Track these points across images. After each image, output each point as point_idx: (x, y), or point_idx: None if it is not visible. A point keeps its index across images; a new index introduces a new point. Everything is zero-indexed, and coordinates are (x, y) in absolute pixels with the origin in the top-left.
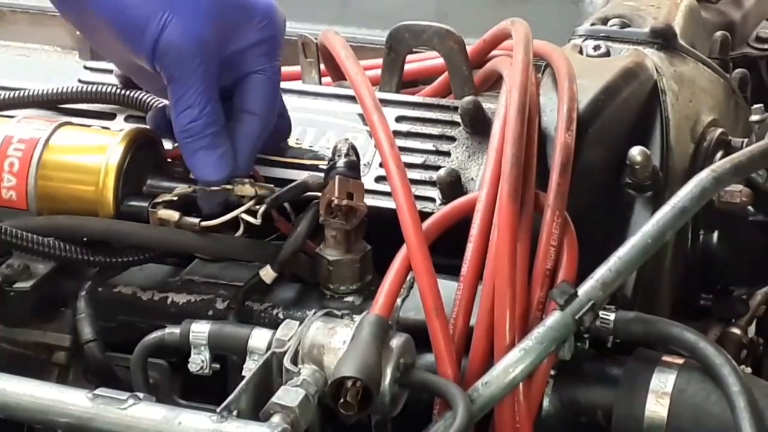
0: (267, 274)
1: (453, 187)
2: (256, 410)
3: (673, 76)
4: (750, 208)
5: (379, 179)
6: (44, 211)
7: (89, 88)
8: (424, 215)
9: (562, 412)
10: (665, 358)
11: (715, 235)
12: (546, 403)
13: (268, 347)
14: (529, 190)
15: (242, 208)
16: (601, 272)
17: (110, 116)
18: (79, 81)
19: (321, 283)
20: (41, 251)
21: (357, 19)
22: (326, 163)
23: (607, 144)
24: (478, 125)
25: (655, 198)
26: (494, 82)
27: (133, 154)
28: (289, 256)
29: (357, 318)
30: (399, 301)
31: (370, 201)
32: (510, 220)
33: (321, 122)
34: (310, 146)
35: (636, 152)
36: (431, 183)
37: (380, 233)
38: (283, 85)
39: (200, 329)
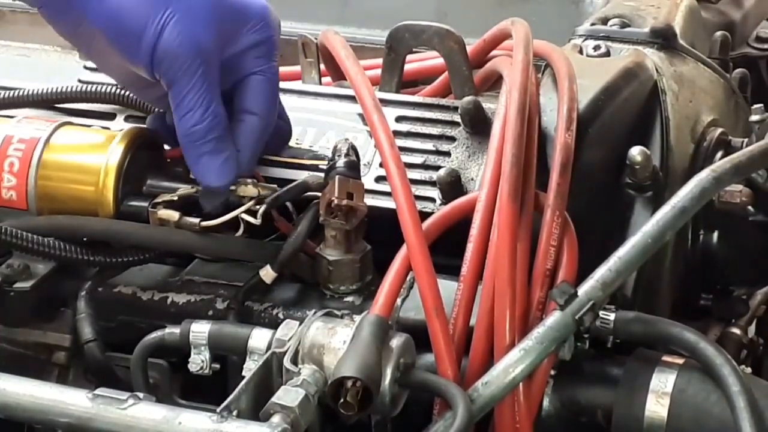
0: (267, 274)
1: (453, 187)
2: (256, 410)
3: (673, 76)
4: (750, 208)
5: (379, 179)
6: (44, 211)
7: (89, 88)
8: (424, 215)
9: (562, 412)
10: (665, 358)
11: (715, 235)
12: (546, 403)
13: (268, 347)
14: (529, 190)
15: (242, 208)
16: (601, 272)
17: (110, 116)
18: (79, 81)
19: (321, 283)
20: (41, 251)
21: (357, 19)
22: (326, 163)
23: (607, 144)
24: (478, 125)
25: (655, 198)
26: (494, 82)
27: (133, 154)
28: (289, 256)
29: (357, 318)
30: (399, 301)
31: (370, 201)
32: (510, 220)
33: (321, 122)
34: (310, 146)
35: (636, 152)
36: (431, 183)
37: (380, 233)
38: (283, 85)
39: (200, 329)
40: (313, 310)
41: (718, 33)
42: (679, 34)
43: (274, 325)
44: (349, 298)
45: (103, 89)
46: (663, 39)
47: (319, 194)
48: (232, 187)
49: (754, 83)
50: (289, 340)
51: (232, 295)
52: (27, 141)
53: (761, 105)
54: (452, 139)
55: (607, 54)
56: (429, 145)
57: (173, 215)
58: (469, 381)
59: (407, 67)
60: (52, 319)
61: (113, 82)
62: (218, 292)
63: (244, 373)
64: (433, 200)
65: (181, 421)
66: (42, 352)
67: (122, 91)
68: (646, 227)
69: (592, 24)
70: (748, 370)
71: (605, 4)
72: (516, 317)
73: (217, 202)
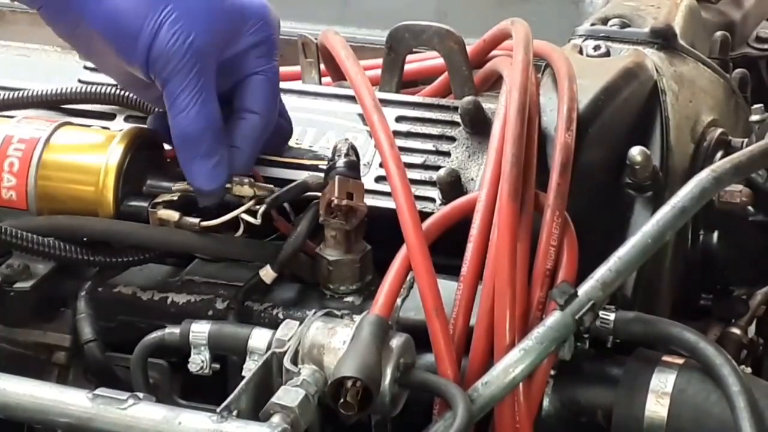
0: (267, 274)
1: (453, 187)
2: (256, 410)
3: (673, 76)
4: (750, 208)
5: (379, 179)
6: (44, 211)
7: (89, 89)
8: (424, 215)
9: (562, 412)
10: (665, 358)
11: (715, 235)
12: (546, 403)
13: (268, 347)
14: (529, 190)
15: (242, 208)
16: (601, 272)
17: (110, 116)
18: (79, 81)
19: (321, 283)
20: (41, 251)
21: (357, 19)
22: (326, 163)
23: (607, 144)
24: (478, 125)
25: (655, 198)
26: (494, 82)
27: (133, 154)
28: (289, 256)
29: (357, 318)
30: (399, 301)
31: (370, 201)
32: (510, 220)
33: (321, 122)
34: (310, 146)
35: (636, 152)
36: (431, 183)
37: (380, 233)
38: (283, 85)
39: (200, 329)
40: (313, 310)
41: (718, 33)
42: (679, 34)
43: (274, 325)
44: (349, 298)
45: (103, 89)
46: (663, 39)
47: (319, 194)
48: (228, 185)
49: (754, 83)
50: (289, 340)
51: (232, 295)
52: (27, 141)
53: (761, 105)
54: (452, 139)
55: (607, 54)
56: (429, 145)
57: (173, 215)
58: (469, 381)
59: (407, 67)
60: (52, 319)
61: (113, 82)
62: (218, 292)
63: (244, 373)
64: (433, 200)
65: (181, 421)
66: (42, 352)
67: (122, 92)
68: (646, 227)
69: (592, 24)
70: (748, 370)
71: (605, 4)
72: (516, 317)
73: (213, 201)
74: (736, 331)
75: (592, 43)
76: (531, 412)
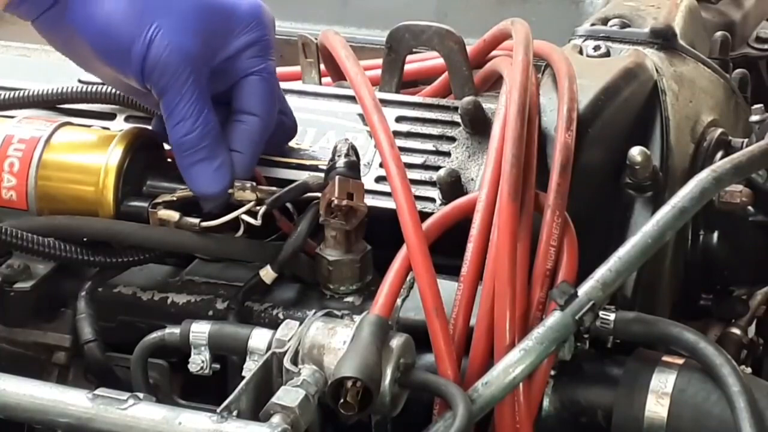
0: (267, 274)
1: (453, 187)
2: (256, 410)
3: (673, 76)
4: (750, 208)
5: (379, 179)
6: (44, 211)
7: (89, 88)
8: (424, 215)
9: (562, 413)
10: (665, 358)
11: (715, 235)
12: (546, 403)
13: (268, 347)
14: (529, 190)
15: (242, 209)
16: (601, 272)
17: (110, 116)
18: (79, 81)
19: (321, 283)
20: (41, 251)
21: (357, 19)
22: (326, 163)
23: (607, 144)
24: (478, 125)
25: (655, 198)
26: (494, 82)
27: (133, 154)
28: (289, 256)
29: (357, 318)
30: (399, 301)
31: (370, 201)
32: (510, 220)
33: (321, 122)
34: (310, 146)
35: (636, 152)
36: (431, 183)
37: (380, 233)
38: (283, 85)
39: (200, 329)
40: (313, 311)
41: (718, 33)
42: (679, 35)
43: (274, 325)
44: (349, 298)
45: (103, 89)
46: (663, 39)
47: (320, 195)
48: (230, 191)
49: (754, 83)
50: (289, 340)
51: (232, 295)
52: (27, 141)
53: (761, 105)
54: (452, 139)
55: (607, 54)
56: (429, 146)
57: (173, 215)
58: (469, 381)
59: (407, 67)
60: (52, 319)
61: None
62: (218, 292)
63: (244, 374)
64: (433, 200)
65: (181, 421)
66: (42, 352)
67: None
68: (646, 227)
69: (592, 24)
70: (748, 370)
71: (605, 4)
72: (516, 317)
73: (216, 204)
74: (736, 331)
75: (592, 43)
76: (531, 412)
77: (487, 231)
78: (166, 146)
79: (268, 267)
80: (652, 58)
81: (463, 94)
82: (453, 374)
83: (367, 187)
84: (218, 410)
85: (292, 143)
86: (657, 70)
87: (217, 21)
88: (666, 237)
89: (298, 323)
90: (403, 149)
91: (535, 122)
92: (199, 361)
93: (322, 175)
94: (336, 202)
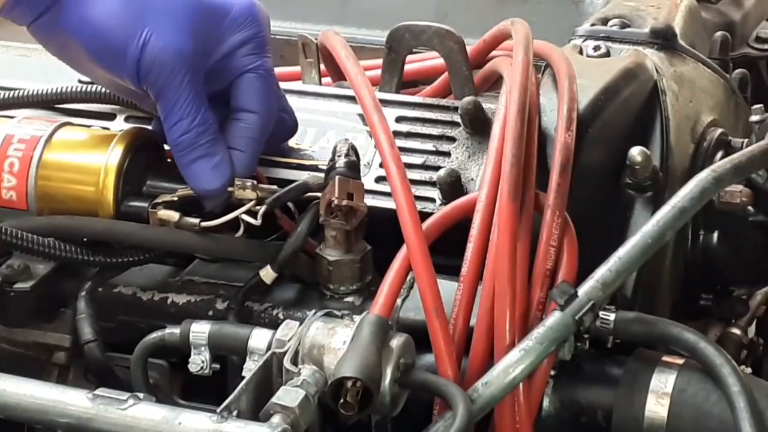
0: (267, 274)
1: (453, 187)
2: (256, 410)
3: (673, 76)
4: (750, 208)
5: (379, 179)
6: (44, 211)
7: (89, 88)
8: (424, 215)
9: (562, 413)
10: (665, 358)
11: (715, 235)
12: (546, 403)
13: (268, 347)
14: (529, 190)
15: (242, 209)
16: (601, 272)
17: (110, 116)
18: (79, 81)
19: (321, 283)
20: (41, 251)
21: (357, 19)
22: (326, 163)
23: (607, 144)
24: (478, 125)
25: (655, 198)
26: (494, 82)
27: (133, 154)
28: (289, 256)
29: (357, 318)
30: (399, 301)
31: (370, 201)
32: (510, 220)
33: (321, 122)
34: (310, 146)
35: (636, 152)
36: (431, 183)
37: (380, 233)
38: (283, 85)
39: (200, 329)
40: (313, 311)
41: (718, 33)
42: (679, 35)
43: (274, 325)
44: (349, 298)
45: (103, 89)
46: (663, 39)
47: (320, 194)
48: (230, 189)
49: (754, 83)
50: (289, 340)
51: (232, 295)
52: (27, 141)
53: (761, 105)
54: (452, 139)
55: (607, 54)
56: (429, 146)
57: (173, 215)
58: (469, 381)
59: (407, 67)
60: (52, 319)
61: None
62: (218, 292)
63: (244, 374)
64: (433, 200)
65: (181, 421)
66: (42, 352)
67: None
68: (646, 227)
69: (592, 24)
70: (748, 370)
71: (605, 4)
72: (516, 317)
73: (217, 202)
74: (736, 331)
75: (592, 43)
76: (531, 413)
77: (487, 231)
78: (166, 146)
79: (268, 267)
80: (652, 58)
81: (463, 94)
82: (453, 374)
83: (367, 187)
84: (218, 410)
85: (292, 143)
86: (657, 70)
87: (210, 20)
88: (666, 237)
89: (298, 323)
90: (403, 149)
91: (535, 122)
92: (199, 361)
93: (322, 175)
94: (336, 202)
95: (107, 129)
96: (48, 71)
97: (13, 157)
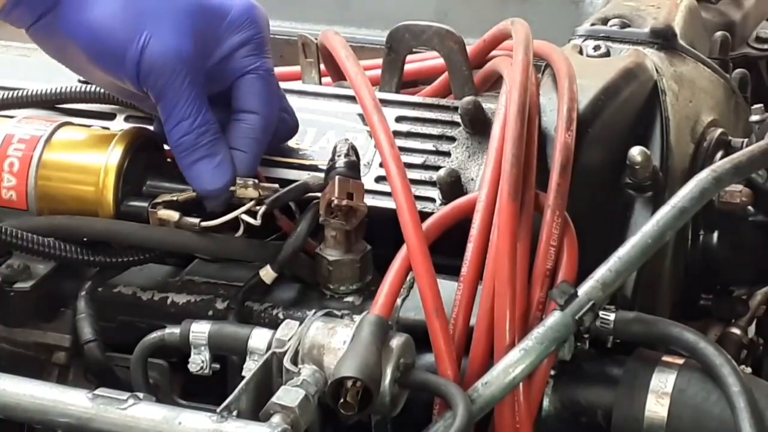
0: (267, 274)
1: (453, 187)
2: (256, 410)
3: (673, 76)
4: (750, 208)
5: (379, 179)
6: (44, 211)
7: (89, 88)
8: (424, 215)
9: (562, 412)
10: (665, 358)
11: (715, 235)
12: (546, 403)
13: (268, 347)
14: (529, 190)
15: (242, 209)
16: (601, 272)
17: (110, 116)
18: (79, 81)
19: (321, 283)
20: (41, 251)
21: (357, 19)
22: (326, 163)
23: (607, 144)
24: (478, 125)
25: (655, 198)
26: (494, 82)
27: (133, 154)
28: (289, 256)
29: (357, 318)
30: (399, 301)
31: (370, 201)
32: (510, 220)
33: (321, 122)
34: (310, 146)
35: (636, 152)
36: (431, 183)
37: (380, 233)
38: (283, 85)
39: (200, 329)
40: (313, 310)
41: (718, 33)
42: (679, 34)
43: (274, 325)
44: (349, 298)
45: (103, 89)
46: (663, 39)
47: (320, 194)
48: (232, 188)
49: (754, 83)
50: (289, 340)
51: (232, 295)
52: (27, 141)
53: (761, 105)
54: (452, 139)
55: (607, 54)
56: (429, 145)
57: (173, 215)
58: (469, 381)
59: (407, 67)
60: (52, 319)
61: None
62: (218, 292)
63: (244, 373)
64: (433, 200)
65: (181, 421)
66: (42, 352)
67: None
68: (646, 227)
69: (592, 24)
70: (748, 370)
71: (605, 4)
72: (516, 317)
73: (219, 202)
74: (736, 331)
75: (592, 43)
76: (531, 413)
77: (487, 231)
78: (167, 146)
79: (268, 267)
80: (652, 58)
81: (463, 94)
82: (453, 374)
83: (367, 187)
84: (218, 410)
85: (292, 143)
86: (657, 70)
87: (209, 21)
88: (666, 237)
89: (298, 323)
90: (403, 149)
91: (535, 122)
92: (199, 361)
93: (322, 175)
94: (336, 202)
95: (107, 129)
96: (48, 71)
97: (13, 156)
